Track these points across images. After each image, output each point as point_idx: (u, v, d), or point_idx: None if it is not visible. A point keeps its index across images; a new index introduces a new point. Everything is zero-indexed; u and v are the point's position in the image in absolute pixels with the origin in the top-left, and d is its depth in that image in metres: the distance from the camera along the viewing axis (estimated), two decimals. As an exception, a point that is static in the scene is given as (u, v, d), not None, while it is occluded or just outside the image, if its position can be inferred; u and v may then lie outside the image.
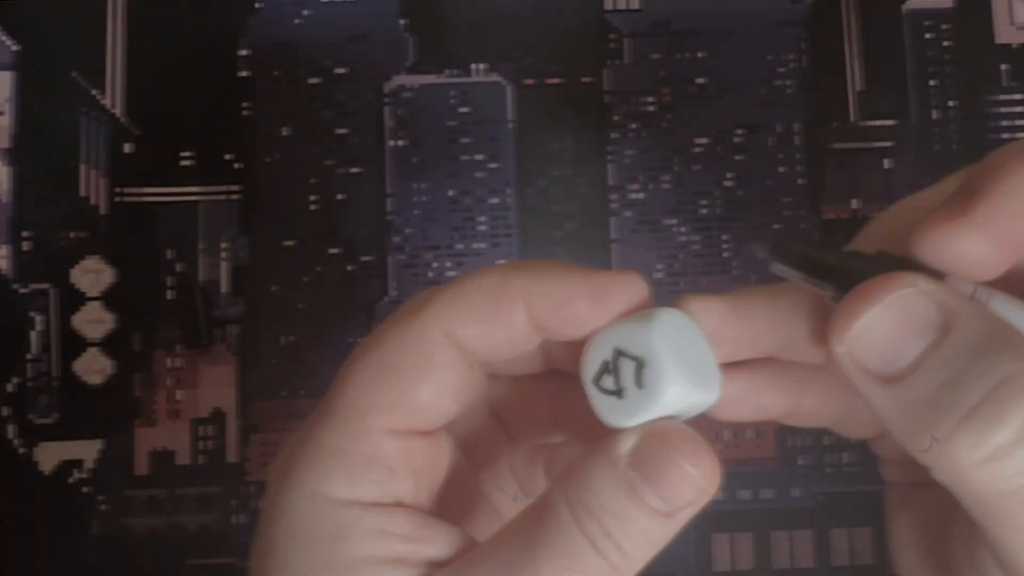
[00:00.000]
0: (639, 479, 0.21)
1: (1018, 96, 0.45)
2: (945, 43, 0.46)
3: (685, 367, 0.21)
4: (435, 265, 0.44)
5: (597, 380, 0.22)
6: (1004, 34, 0.46)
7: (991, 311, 0.20)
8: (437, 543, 0.22)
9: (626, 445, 0.21)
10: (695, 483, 0.21)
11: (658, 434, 0.21)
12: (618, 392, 0.21)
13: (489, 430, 0.26)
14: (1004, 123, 0.45)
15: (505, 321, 0.22)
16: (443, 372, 0.22)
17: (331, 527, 0.21)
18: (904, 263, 0.21)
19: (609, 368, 0.22)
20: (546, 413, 0.26)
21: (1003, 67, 0.45)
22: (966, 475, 0.19)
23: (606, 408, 0.22)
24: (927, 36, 0.46)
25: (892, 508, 0.26)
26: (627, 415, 0.21)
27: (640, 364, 0.21)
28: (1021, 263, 0.21)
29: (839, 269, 0.21)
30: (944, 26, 0.46)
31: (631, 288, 0.22)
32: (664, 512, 0.21)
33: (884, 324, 0.20)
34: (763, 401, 0.24)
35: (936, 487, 0.21)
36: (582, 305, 0.22)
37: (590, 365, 0.22)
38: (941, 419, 0.19)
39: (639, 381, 0.21)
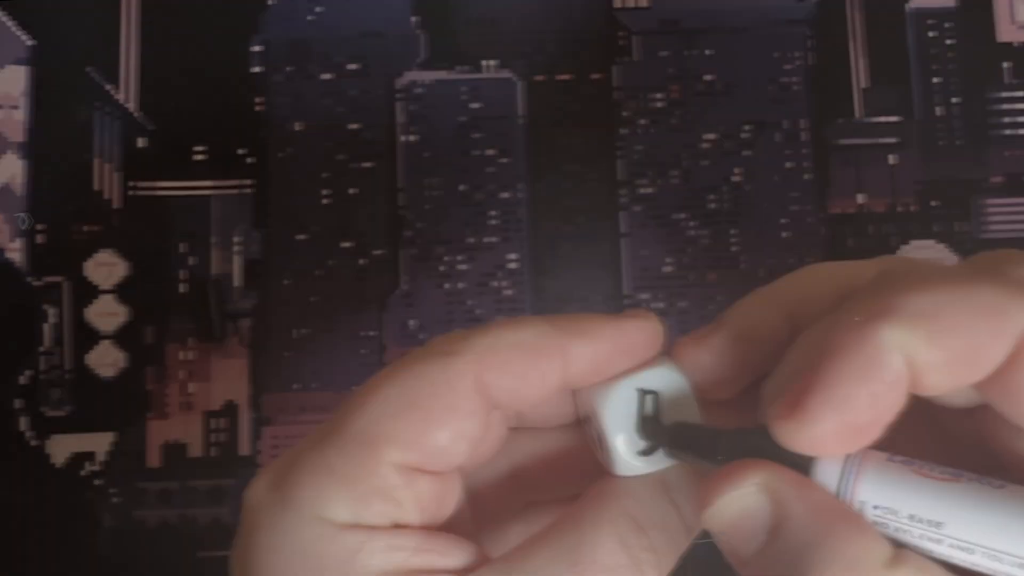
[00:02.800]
0: (680, 493, 0.22)
1: (1019, 93, 0.45)
2: (948, 41, 0.45)
3: (634, 442, 0.22)
4: (446, 259, 0.43)
5: (616, 421, 0.22)
6: (1006, 32, 0.45)
7: (827, 502, 0.20)
8: (451, 554, 0.21)
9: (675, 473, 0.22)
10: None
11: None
12: (605, 455, 0.22)
13: (502, 488, 0.25)
14: (1006, 119, 0.45)
15: (540, 379, 0.22)
16: (466, 419, 0.21)
17: (338, 549, 0.21)
18: (772, 445, 0.20)
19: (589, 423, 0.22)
20: (565, 468, 0.25)
21: (1005, 65, 0.45)
22: None
23: (603, 462, 0.22)
24: (930, 34, 0.45)
25: None
26: (615, 471, 0.22)
27: (600, 434, 0.22)
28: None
29: (728, 452, 0.21)
30: (947, 25, 0.45)
31: (652, 343, 0.22)
32: (692, 527, 0.22)
33: (728, 516, 0.20)
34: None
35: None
36: (619, 364, 0.22)
37: (581, 412, 0.23)
38: None
39: (601, 446, 0.22)
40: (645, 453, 0.22)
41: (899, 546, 0.19)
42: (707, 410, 0.22)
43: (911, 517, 0.19)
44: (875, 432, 0.19)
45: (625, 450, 0.22)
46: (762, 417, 0.20)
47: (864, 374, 0.19)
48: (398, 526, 0.21)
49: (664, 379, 0.22)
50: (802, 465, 0.20)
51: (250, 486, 0.22)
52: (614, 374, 0.22)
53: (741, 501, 0.20)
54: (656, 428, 0.21)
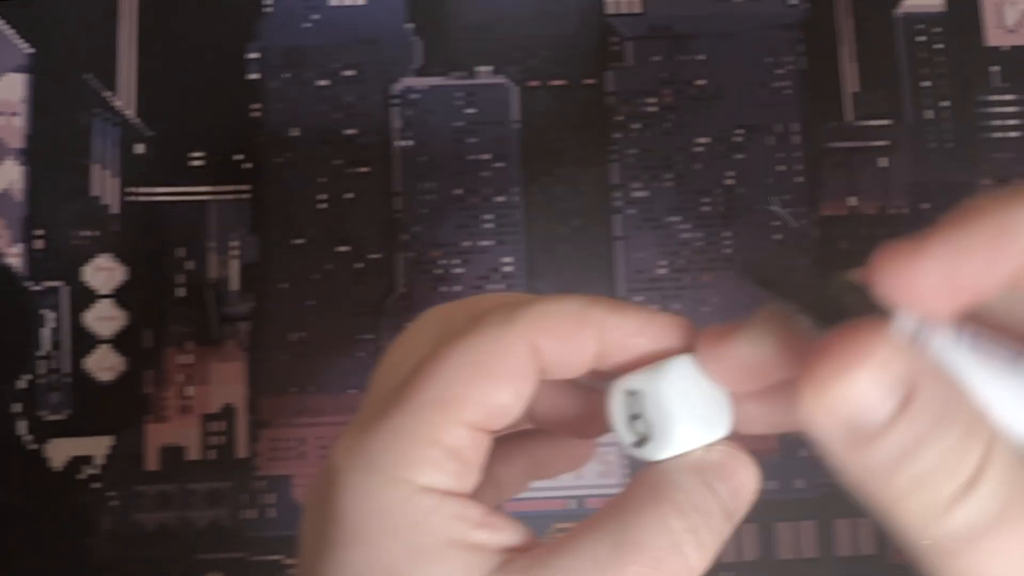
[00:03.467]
0: (716, 478, 0.23)
1: (1008, 97, 0.45)
2: (937, 46, 0.46)
3: (691, 411, 0.23)
4: (442, 262, 0.44)
5: (622, 420, 0.23)
6: (994, 37, 0.46)
7: (951, 380, 0.20)
8: (507, 531, 0.23)
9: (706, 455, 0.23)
10: (754, 485, 0.23)
11: (723, 448, 0.23)
12: (638, 436, 0.23)
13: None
14: (995, 123, 0.45)
15: (581, 344, 0.23)
16: (523, 380, 0.23)
17: (412, 512, 0.22)
18: (866, 296, 0.20)
19: (629, 412, 0.23)
20: (565, 412, 0.27)
21: (993, 69, 0.45)
22: (921, 530, 0.19)
23: (630, 445, 0.23)
24: (919, 39, 0.46)
25: None
26: (646, 454, 0.23)
27: (654, 411, 0.23)
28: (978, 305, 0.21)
29: (814, 297, 0.21)
30: (936, 29, 0.46)
31: (681, 334, 0.24)
32: (730, 511, 0.23)
33: (854, 394, 0.19)
34: (776, 418, 0.24)
35: None
36: (644, 341, 0.24)
37: (615, 409, 0.24)
38: (898, 479, 0.19)
39: (652, 427, 0.23)
40: (640, 443, 0.23)
41: None
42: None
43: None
44: (971, 298, 0.20)
45: (685, 423, 0.23)
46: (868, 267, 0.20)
47: (993, 240, 0.19)
48: (466, 494, 0.23)
49: (682, 371, 0.23)
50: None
51: (331, 452, 0.23)
52: (641, 354, 0.23)
53: (874, 372, 0.19)
54: (742, 262, 0.22)
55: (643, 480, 0.23)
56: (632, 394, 0.23)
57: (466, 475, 0.23)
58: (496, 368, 0.23)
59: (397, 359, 0.25)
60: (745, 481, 0.23)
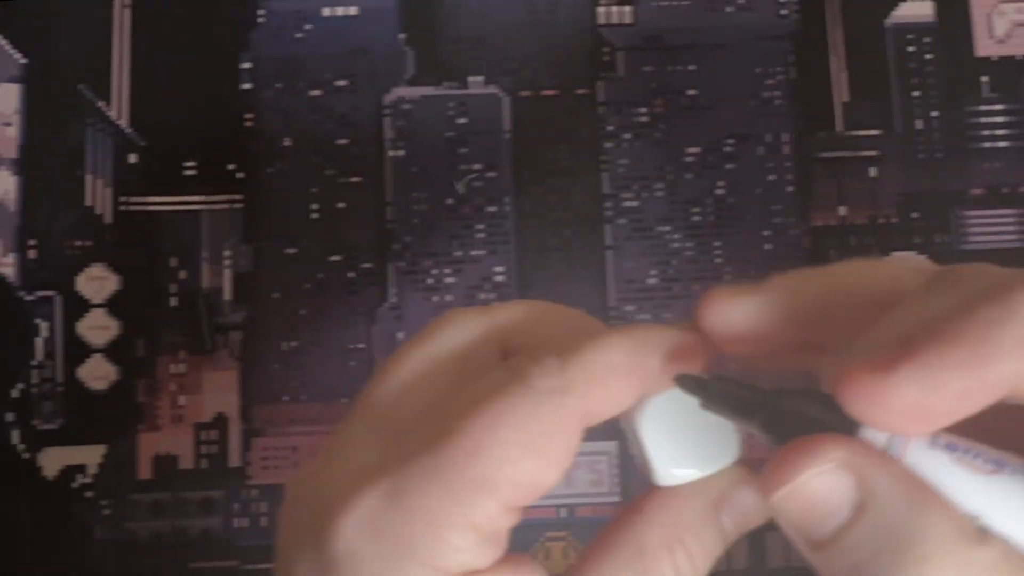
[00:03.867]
0: (725, 512, 0.22)
1: (998, 107, 0.45)
2: (927, 56, 0.46)
3: (680, 446, 0.22)
4: (434, 272, 0.44)
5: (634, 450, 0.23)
6: (984, 47, 0.46)
7: (912, 479, 0.19)
8: None
9: (723, 482, 0.23)
10: (762, 513, 0.22)
11: (737, 476, 0.23)
12: (646, 467, 0.23)
13: None
14: (985, 133, 0.45)
15: (628, 399, 0.22)
16: (571, 454, 0.21)
17: None
18: (827, 406, 0.20)
19: (629, 435, 0.23)
20: None
21: (983, 79, 0.45)
22: None
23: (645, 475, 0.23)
24: (909, 49, 0.46)
25: None
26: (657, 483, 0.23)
27: (638, 451, 0.22)
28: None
29: (769, 412, 0.20)
30: (926, 40, 0.46)
31: (697, 355, 0.22)
32: (731, 539, 0.22)
33: (806, 496, 0.19)
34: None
35: None
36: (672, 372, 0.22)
37: (624, 428, 0.23)
38: None
39: (643, 460, 0.23)
40: (685, 460, 0.22)
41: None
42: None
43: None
44: (945, 422, 0.19)
45: (664, 462, 0.22)
46: (825, 381, 0.20)
47: (970, 367, 0.18)
48: (486, 570, 0.21)
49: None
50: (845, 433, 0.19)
51: (334, 529, 0.20)
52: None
53: (822, 479, 0.19)
54: (696, 382, 0.21)
55: (659, 514, 0.22)
56: (628, 430, 0.23)
57: (496, 552, 0.21)
58: (547, 448, 0.21)
59: (410, 380, 0.23)
60: (751, 513, 0.23)
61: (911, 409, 0.18)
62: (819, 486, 0.19)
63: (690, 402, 0.21)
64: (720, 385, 0.21)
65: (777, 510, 0.20)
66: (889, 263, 0.23)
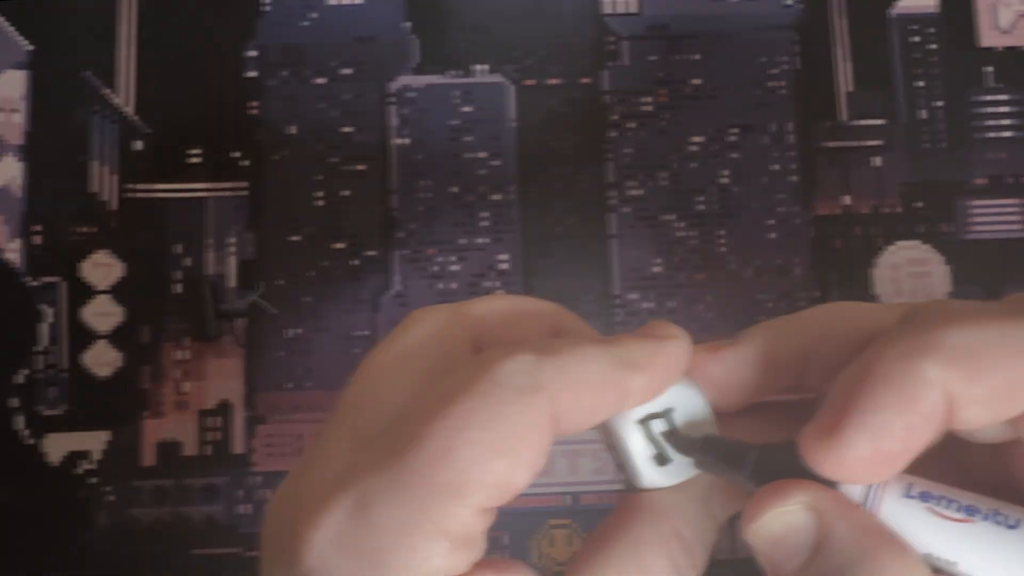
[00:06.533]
0: (721, 508, 0.22)
1: (1001, 97, 0.44)
2: (931, 46, 0.45)
3: (658, 463, 0.22)
4: (438, 260, 0.43)
5: (605, 444, 0.23)
6: (988, 38, 0.45)
7: (869, 523, 0.20)
8: None
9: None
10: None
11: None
12: (629, 471, 0.22)
13: None
14: (989, 123, 0.44)
15: (604, 411, 0.21)
16: (542, 456, 0.20)
17: None
18: (799, 464, 0.20)
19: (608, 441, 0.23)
20: None
21: (987, 69, 0.45)
22: None
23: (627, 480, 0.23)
24: (913, 39, 0.45)
25: None
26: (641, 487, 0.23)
27: (620, 457, 0.22)
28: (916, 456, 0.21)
29: (755, 466, 0.21)
30: (930, 30, 0.45)
31: (686, 363, 0.22)
32: (723, 523, 0.22)
33: (772, 531, 0.20)
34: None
35: None
36: (660, 392, 0.22)
37: (600, 434, 0.23)
38: None
39: (623, 468, 0.22)
40: (660, 463, 0.22)
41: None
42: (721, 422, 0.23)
43: (927, 555, 0.20)
44: (903, 462, 0.20)
45: (648, 467, 0.22)
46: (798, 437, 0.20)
47: (903, 405, 0.19)
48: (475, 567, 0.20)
49: (683, 395, 0.22)
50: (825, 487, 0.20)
51: (303, 544, 0.19)
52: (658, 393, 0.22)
53: (786, 517, 0.20)
54: (687, 442, 0.22)
55: (652, 508, 0.22)
56: (610, 436, 0.23)
57: (474, 553, 0.20)
58: (518, 449, 0.20)
59: (380, 383, 0.22)
60: (737, 493, 0.22)
61: (866, 460, 0.19)
62: (784, 523, 0.20)
63: (674, 406, 0.22)
64: (711, 443, 0.22)
65: (751, 543, 0.20)
66: (867, 305, 0.23)
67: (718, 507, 0.22)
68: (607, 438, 0.23)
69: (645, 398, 0.22)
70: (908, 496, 0.20)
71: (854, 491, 0.20)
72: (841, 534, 0.19)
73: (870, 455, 0.19)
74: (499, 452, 0.19)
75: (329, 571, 0.19)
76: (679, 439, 0.22)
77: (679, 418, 0.22)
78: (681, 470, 0.22)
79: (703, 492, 0.22)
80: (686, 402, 0.22)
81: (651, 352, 0.21)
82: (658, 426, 0.22)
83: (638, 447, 0.22)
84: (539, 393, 0.20)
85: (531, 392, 0.20)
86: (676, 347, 0.22)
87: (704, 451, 0.22)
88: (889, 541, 0.20)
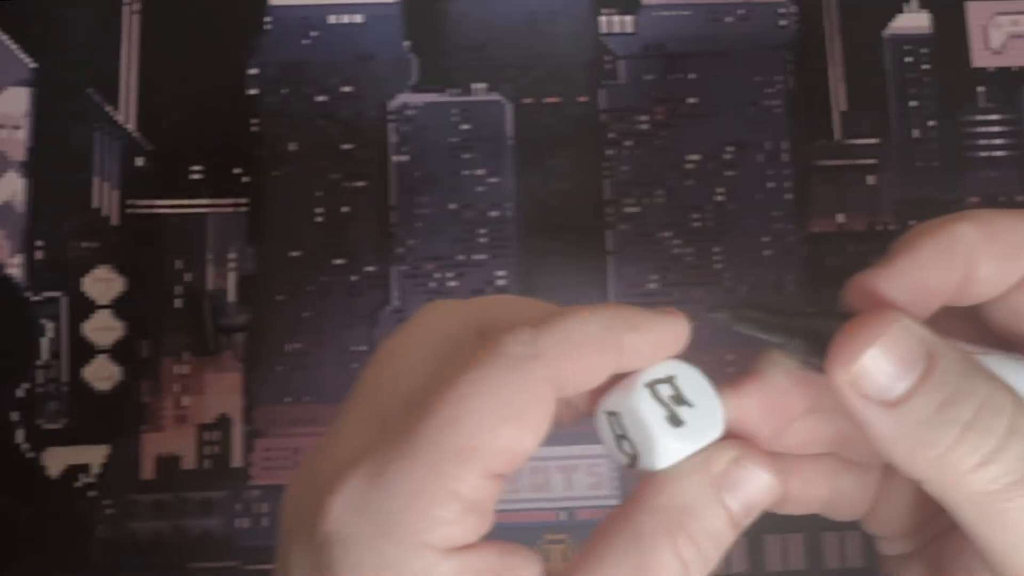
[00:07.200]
0: (729, 493, 0.22)
1: (993, 117, 0.45)
2: (924, 66, 0.45)
3: (673, 420, 0.22)
4: (437, 276, 0.43)
5: (610, 441, 0.23)
6: (980, 58, 0.45)
7: (967, 352, 0.22)
8: (526, 565, 0.21)
9: (721, 459, 0.22)
10: (768, 492, 0.22)
11: (738, 456, 0.22)
12: (629, 456, 0.22)
13: None
14: (981, 142, 0.45)
15: (602, 370, 0.22)
16: (546, 420, 0.21)
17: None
18: (849, 317, 0.22)
19: (615, 433, 0.22)
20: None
21: (979, 90, 0.45)
22: (964, 480, 0.21)
23: (624, 466, 0.23)
24: (907, 60, 0.45)
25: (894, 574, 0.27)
26: (642, 469, 0.22)
27: (633, 430, 0.22)
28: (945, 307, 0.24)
29: (800, 326, 0.22)
30: (923, 50, 0.45)
31: (684, 339, 0.23)
32: (738, 523, 0.22)
33: (884, 357, 0.21)
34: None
35: (926, 553, 0.25)
36: (657, 357, 0.23)
37: (602, 432, 0.23)
38: (940, 434, 0.21)
39: (636, 445, 0.22)
40: (675, 424, 0.22)
41: None
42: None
43: None
44: (936, 303, 0.23)
45: (663, 430, 0.22)
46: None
47: (940, 246, 0.23)
48: (475, 545, 0.21)
49: (682, 368, 0.23)
50: None
51: (323, 512, 0.20)
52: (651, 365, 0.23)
53: (898, 336, 0.21)
54: (737, 313, 0.23)
55: (655, 498, 0.22)
56: (613, 415, 0.22)
57: (483, 523, 0.21)
58: (523, 414, 0.20)
59: (395, 368, 0.23)
60: (757, 491, 0.22)
61: (907, 297, 0.22)
62: (896, 344, 0.21)
63: (655, 387, 0.22)
64: (752, 312, 0.23)
65: (853, 379, 0.21)
66: None
67: (734, 501, 0.22)
68: (613, 422, 0.22)
69: (641, 357, 0.22)
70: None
71: None
72: (946, 350, 0.21)
73: (913, 286, 0.22)
74: (505, 417, 0.20)
75: (346, 534, 0.20)
76: (737, 312, 0.23)
77: (683, 386, 0.22)
78: (696, 434, 0.22)
79: (716, 483, 0.22)
80: (686, 373, 0.23)
81: (646, 316, 0.22)
82: (665, 390, 0.22)
83: (649, 408, 0.22)
84: (539, 359, 0.21)
85: (531, 359, 0.21)
86: (672, 316, 0.23)
87: (757, 318, 0.23)
88: (990, 373, 0.21)
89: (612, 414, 0.22)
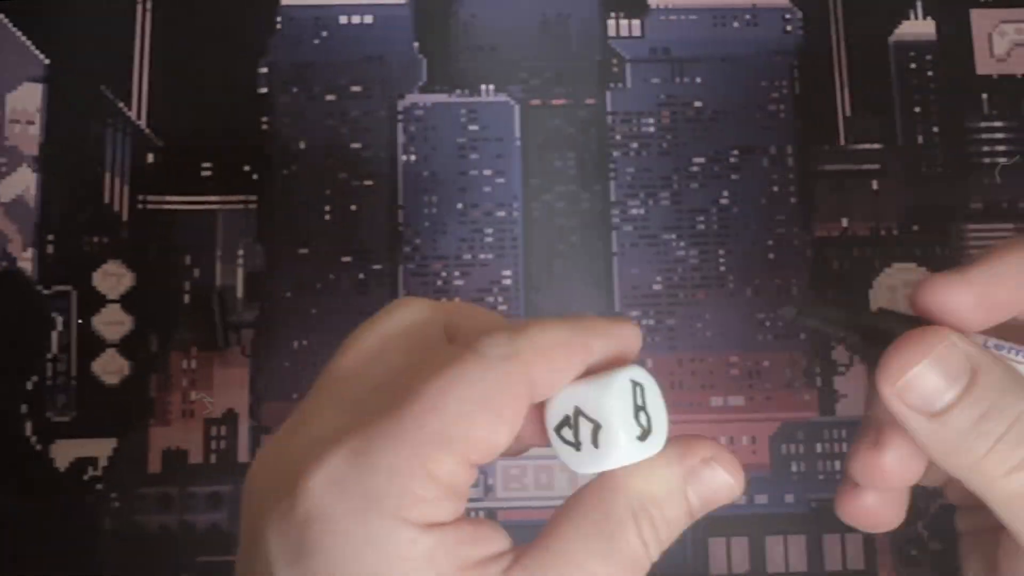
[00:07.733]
0: (692, 488, 0.23)
1: (996, 124, 0.45)
2: (928, 73, 0.45)
3: (633, 430, 0.23)
4: (443, 274, 0.43)
5: (559, 430, 0.23)
6: (984, 65, 0.46)
7: (1002, 364, 0.24)
8: (495, 539, 0.22)
9: (696, 456, 0.24)
10: (729, 490, 0.24)
11: (708, 455, 0.24)
12: (576, 445, 0.23)
13: None
14: (984, 148, 0.45)
15: (571, 371, 0.23)
16: (520, 417, 0.22)
17: (420, 550, 0.21)
18: (911, 320, 0.24)
19: (570, 423, 0.23)
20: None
21: (983, 96, 0.45)
22: (997, 483, 0.23)
23: (564, 454, 0.23)
24: (912, 66, 0.45)
25: (965, 555, 0.29)
26: (582, 466, 0.23)
27: (596, 427, 0.23)
28: (1007, 321, 0.25)
29: (861, 324, 0.24)
30: (928, 57, 0.46)
31: (638, 344, 0.25)
32: (695, 514, 0.24)
33: (930, 373, 0.23)
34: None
35: (999, 531, 0.26)
36: (617, 358, 0.24)
37: (553, 416, 0.23)
38: (976, 444, 0.23)
39: (595, 441, 0.23)
40: (642, 438, 0.23)
41: None
42: None
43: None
44: (1003, 316, 0.24)
45: (627, 438, 0.23)
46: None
47: (1012, 261, 0.24)
48: (452, 522, 0.22)
49: (642, 375, 0.24)
50: None
51: (302, 491, 0.20)
52: (608, 370, 0.24)
53: (945, 354, 0.23)
54: (811, 310, 0.25)
55: (627, 483, 0.23)
56: (579, 411, 0.23)
57: (459, 505, 0.22)
58: (500, 408, 0.22)
59: (365, 356, 0.24)
60: (718, 490, 0.24)
61: (975, 307, 0.24)
62: (943, 361, 0.23)
63: (624, 389, 0.23)
64: (817, 308, 0.25)
65: (900, 392, 0.23)
66: None
67: (696, 497, 0.23)
68: (576, 414, 0.23)
69: (605, 360, 0.24)
70: (984, 347, 0.24)
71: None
72: (989, 369, 0.23)
73: (984, 296, 0.24)
74: (484, 410, 0.22)
75: (327, 512, 0.20)
76: (804, 309, 0.25)
77: (647, 395, 0.23)
78: (650, 444, 0.23)
79: (683, 476, 0.23)
80: (650, 384, 0.24)
81: (608, 322, 0.24)
82: (638, 393, 0.23)
83: (626, 406, 0.23)
84: (515, 359, 0.22)
85: (509, 359, 0.22)
86: (629, 324, 0.25)
87: (824, 314, 0.25)
88: (1018, 373, 0.23)
89: (579, 409, 0.23)
